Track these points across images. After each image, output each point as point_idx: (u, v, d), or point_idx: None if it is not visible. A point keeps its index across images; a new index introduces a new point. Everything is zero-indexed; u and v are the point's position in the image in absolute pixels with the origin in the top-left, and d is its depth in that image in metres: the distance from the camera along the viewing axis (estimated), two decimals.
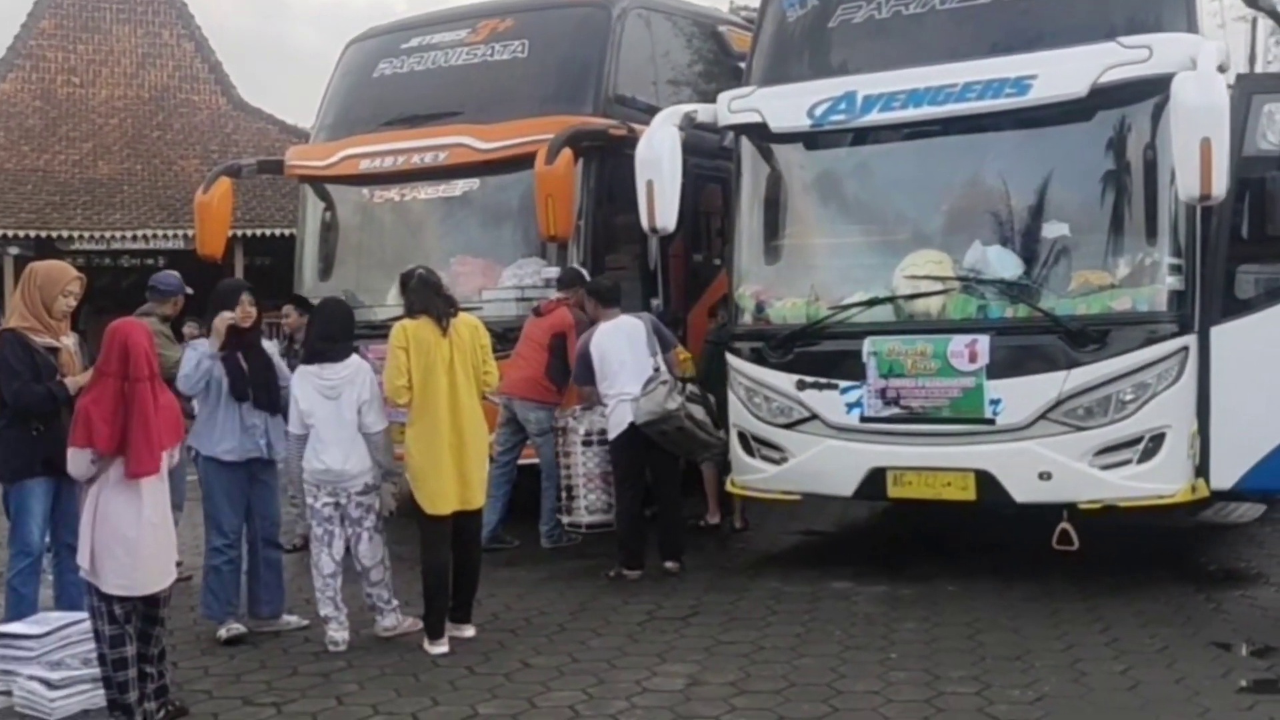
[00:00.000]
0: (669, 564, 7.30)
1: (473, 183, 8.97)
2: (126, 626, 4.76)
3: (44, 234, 19.22)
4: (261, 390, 6.24)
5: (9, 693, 5.17)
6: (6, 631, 5.33)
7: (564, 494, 7.59)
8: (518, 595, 6.94)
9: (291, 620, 6.37)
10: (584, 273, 8.19)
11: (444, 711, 5.03)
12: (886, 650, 5.67)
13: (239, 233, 17.56)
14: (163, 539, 4.92)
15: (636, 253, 8.95)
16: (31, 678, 5.09)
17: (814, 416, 6.94)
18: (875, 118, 6.91)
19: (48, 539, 5.75)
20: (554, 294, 8.15)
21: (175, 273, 7.92)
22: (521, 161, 8.18)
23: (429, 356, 5.87)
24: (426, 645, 5.86)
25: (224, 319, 6.16)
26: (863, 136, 7.23)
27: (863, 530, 8.78)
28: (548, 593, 6.99)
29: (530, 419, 7.88)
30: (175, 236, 19.22)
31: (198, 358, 6.14)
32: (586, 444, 7.47)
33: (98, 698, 4.93)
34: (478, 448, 6.03)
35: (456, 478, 5.88)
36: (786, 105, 7.15)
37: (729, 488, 7.73)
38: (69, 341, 5.79)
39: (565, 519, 7.67)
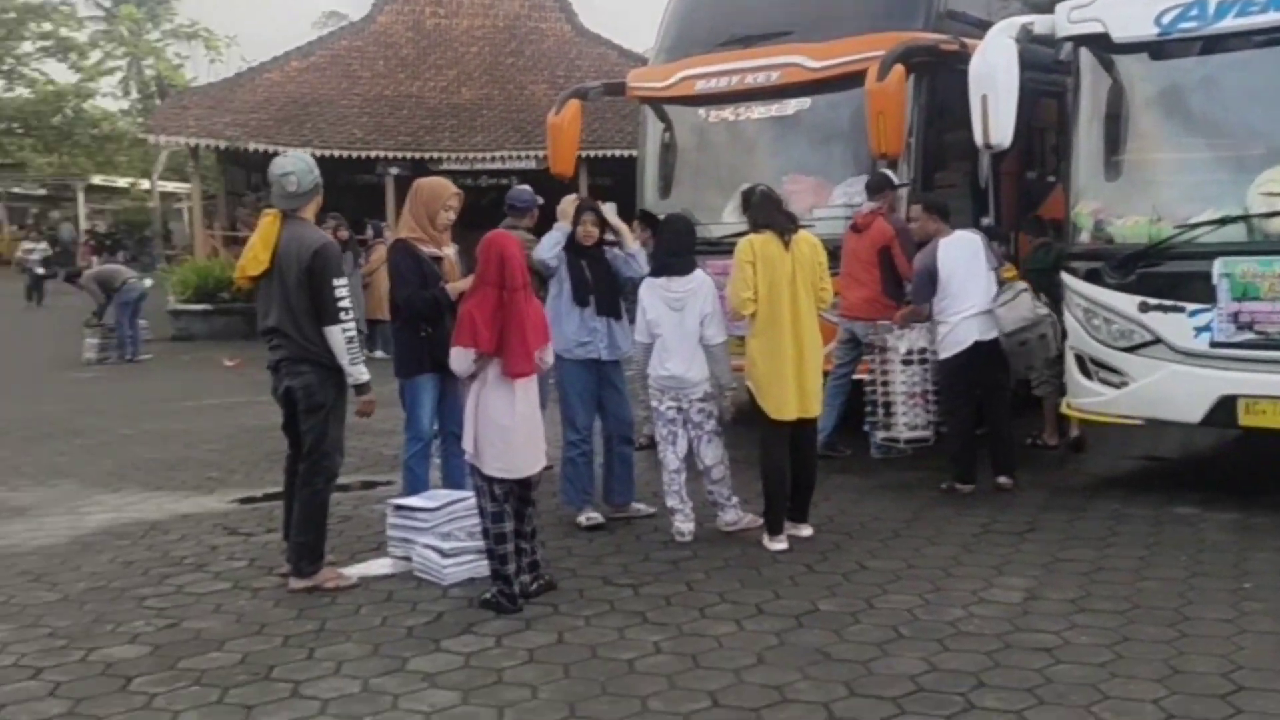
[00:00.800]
0: (1002, 479, 7.31)
1: (804, 101, 9.04)
2: (505, 505, 5.34)
3: (418, 156, 20.93)
4: (605, 297, 6.73)
5: (408, 558, 5.92)
6: (406, 504, 6.07)
7: (881, 410, 7.70)
8: (852, 500, 7.17)
9: (641, 508, 6.90)
10: (892, 176, 8.17)
11: (786, 604, 5.26)
12: (1239, 579, 5.45)
13: (583, 154, 18.38)
14: (534, 429, 5.47)
15: (967, 170, 8.82)
16: (427, 546, 5.80)
17: (1158, 340, 6.75)
18: (1229, 24, 6.54)
19: (436, 426, 6.45)
20: (866, 205, 8.18)
21: (527, 187, 8.53)
22: (853, 79, 8.23)
23: (774, 271, 6.11)
24: (766, 541, 6.18)
25: (569, 199, 6.82)
26: (1214, 45, 6.82)
27: (1209, 457, 8.43)
28: (881, 500, 7.18)
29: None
30: (527, 157, 20.47)
31: (555, 234, 6.75)
32: (906, 363, 7.53)
33: (482, 567, 5.55)
34: (815, 359, 6.27)
35: (797, 387, 6.15)
36: (1131, 14, 6.86)
37: (1064, 410, 7.64)
38: (450, 251, 6.43)
39: (882, 435, 7.78)
